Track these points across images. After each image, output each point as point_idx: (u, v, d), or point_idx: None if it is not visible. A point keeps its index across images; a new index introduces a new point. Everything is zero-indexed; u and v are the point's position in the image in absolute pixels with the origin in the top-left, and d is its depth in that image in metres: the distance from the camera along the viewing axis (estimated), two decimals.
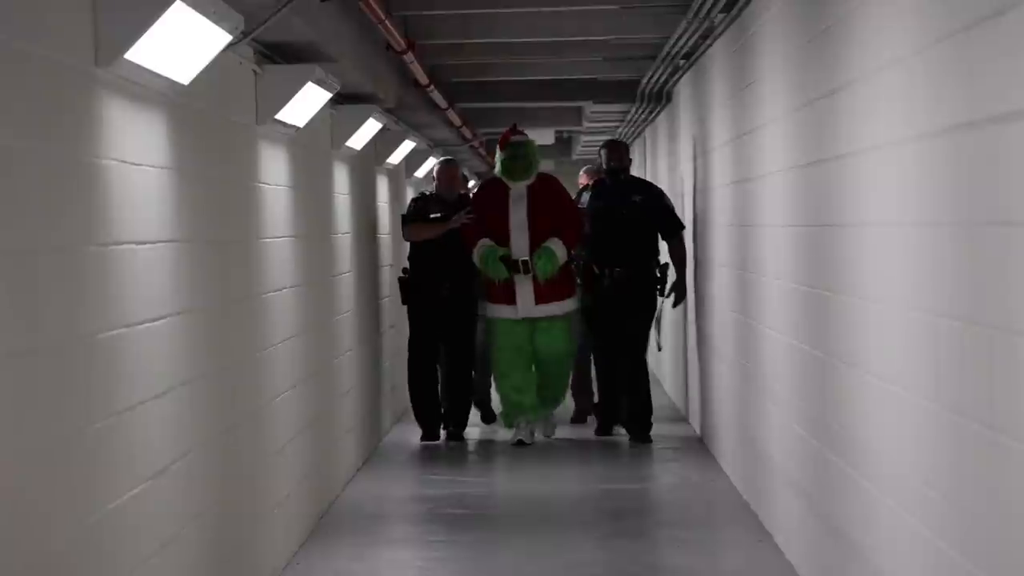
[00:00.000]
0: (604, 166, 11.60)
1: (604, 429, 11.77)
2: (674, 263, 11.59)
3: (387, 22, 8.34)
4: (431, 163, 15.14)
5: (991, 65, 3.93)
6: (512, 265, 11.05)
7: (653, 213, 11.44)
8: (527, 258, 11.04)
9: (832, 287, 6.11)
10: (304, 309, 8.33)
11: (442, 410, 11.73)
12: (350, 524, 8.53)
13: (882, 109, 5.18)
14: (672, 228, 11.57)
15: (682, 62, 11.51)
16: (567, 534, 8.24)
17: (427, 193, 11.80)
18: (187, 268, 5.75)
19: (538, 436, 11.53)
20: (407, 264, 11.71)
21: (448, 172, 11.82)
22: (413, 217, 11.62)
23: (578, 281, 11.49)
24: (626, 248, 11.40)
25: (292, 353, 7.94)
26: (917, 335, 4.74)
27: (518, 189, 11.15)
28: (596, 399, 12.06)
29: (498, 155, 11.28)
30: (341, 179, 10.08)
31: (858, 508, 5.69)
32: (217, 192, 6.36)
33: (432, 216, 11.41)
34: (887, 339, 5.15)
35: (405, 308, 11.79)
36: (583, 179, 14.12)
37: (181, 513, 5.58)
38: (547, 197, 11.15)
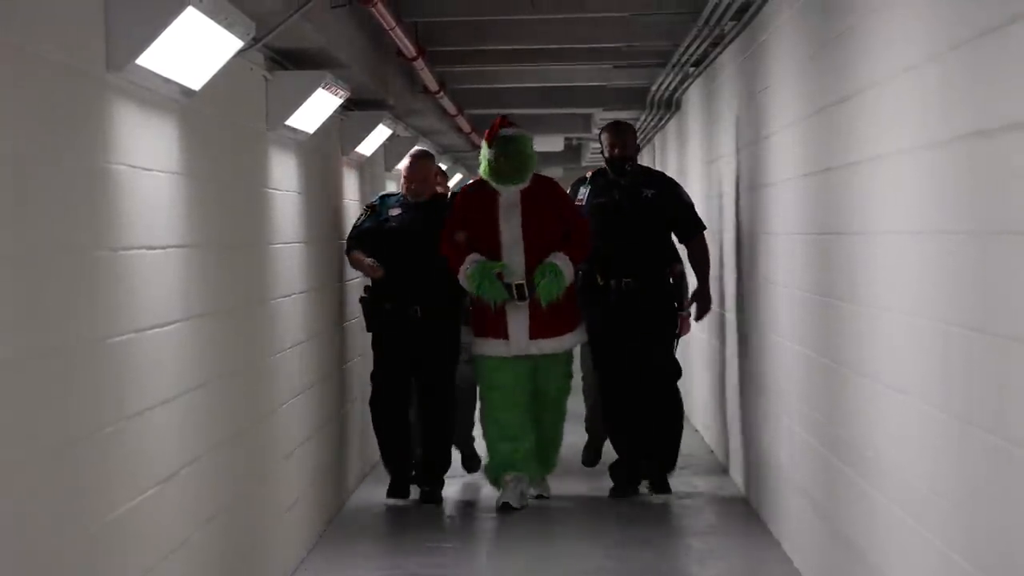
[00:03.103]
0: (606, 154, 9.33)
1: (621, 489, 9.37)
2: (695, 268, 9.44)
3: (397, 29, 8.35)
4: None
5: (1003, 73, 3.93)
6: (505, 289, 8.85)
7: (668, 210, 9.28)
8: (523, 281, 8.83)
9: (842, 295, 6.10)
10: (314, 314, 8.33)
11: (414, 461, 9.35)
12: (358, 529, 8.52)
13: (893, 117, 5.17)
14: (690, 227, 9.42)
15: (692, 69, 11.50)
16: None
17: (390, 195, 9.52)
18: (197, 273, 5.75)
19: (531, 492, 9.14)
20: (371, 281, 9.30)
21: (418, 168, 9.28)
22: (359, 235, 9.21)
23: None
24: (636, 254, 9.16)
25: (302, 358, 7.95)
26: (927, 344, 4.73)
27: (509, 194, 8.93)
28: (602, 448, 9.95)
29: (484, 152, 9.01)
30: (351, 185, 10.08)
31: (867, 517, 5.68)
32: (227, 197, 6.37)
33: (389, 224, 9.10)
34: (897, 348, 5.15)
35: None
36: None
37: (190, 518, 5.58)
38: (546, 203, 8.94)
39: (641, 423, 9.23)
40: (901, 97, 5.05)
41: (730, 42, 9.62)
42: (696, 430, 12.11)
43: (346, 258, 9.27)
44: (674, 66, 11.23)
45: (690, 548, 8.02)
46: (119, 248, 4.79)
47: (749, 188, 8.91)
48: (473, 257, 8.80)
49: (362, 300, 9.24)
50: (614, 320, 9.15)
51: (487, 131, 9.03)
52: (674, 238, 9.48)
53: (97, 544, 4.53)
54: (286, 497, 7.42)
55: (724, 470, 10.23)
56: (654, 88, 13.09)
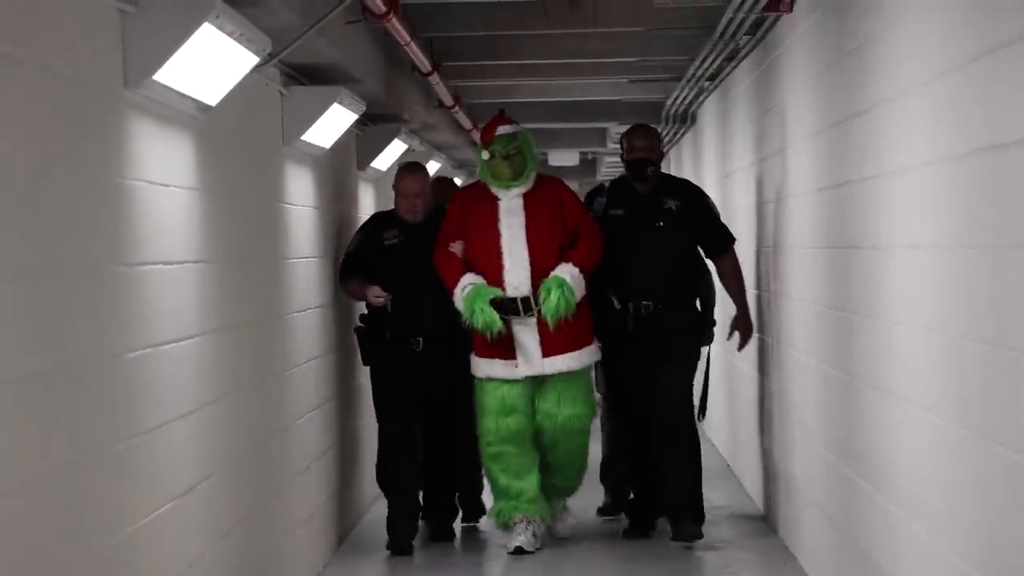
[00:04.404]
0: (627, 156, 8.28)
1: (638, 528, 8.50)
2: (728, 289, 8.39)
3: (412, 44, 8.37)
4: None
5: (1017, 87, 3.93)
6: (508, 307, 7.90)
7: (693, 223, 8.25)
8: (528, 294, 7.91)
9: (858, 309, 6.10)
10: (329, 328, 8.34)
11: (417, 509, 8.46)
12: (374, 546, 8.51)
13: (908, 131, 5.17)
14: (719, 241, 8.34)
15: (707, 84, 11.51)
16: None
17: (384, 214, 8.59)
18: (213, 288, 5.77)
19: (548, 534, 8.29)
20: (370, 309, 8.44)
21: (411, 182, 8.32)
22: (355, 259, 8.39)
23: None
24: (657, 273, 8.12)
25: (318, 372, 7.95)
26: (943, 358, 4.73)
27: (510, 198, 7.99)
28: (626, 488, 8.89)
29: (481, 152, 8.11)
30: (366, 199, 10.10)
31: (884, 532, 5.67)
32: (243, 212, 6.39)
33: (385, 248, 8.28)
34: (913, 362, 5.14)
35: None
36: None
37: (206, 533, 5.58)
38: (550, 206, 8.00)
39: (660, 454, 8.22)
40: (915, 111, 5.05)
41: (745, 56, 9.63)
42: (713, 444, 12.10)
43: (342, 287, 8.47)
44: (689, 80, 11.24)
45: (706, 562, 8.01)
46: (135, 263, 4.81)
47: (764, 202, 8.90)
48: (468, 279, 7.88)
49: (357, 331, 8.43)
50: (632, 349, 8.12)
51: (483, 129, 8.17)
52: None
53: (113, 559, 4.54)
54: (301, 512, 7.43)
55: (740, 483, 10.21)
56: (669, 102, 13.10)
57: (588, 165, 22.89)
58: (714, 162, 12.02)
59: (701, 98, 12.46)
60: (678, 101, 12.70)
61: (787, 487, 8.15)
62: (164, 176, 5.15)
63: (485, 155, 8.02)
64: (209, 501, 5.61)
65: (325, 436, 8.15)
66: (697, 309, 8.29)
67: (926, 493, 4.99)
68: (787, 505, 8.18)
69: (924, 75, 4.92)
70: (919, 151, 5.00)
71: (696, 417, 8.48)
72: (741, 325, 8.38)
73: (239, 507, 6.09)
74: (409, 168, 8.44)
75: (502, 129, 8.04)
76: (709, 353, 8.75)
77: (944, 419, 4.73)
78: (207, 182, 5.70)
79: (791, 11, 7.73)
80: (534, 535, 8.04)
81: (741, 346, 8.48)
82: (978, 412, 4.36)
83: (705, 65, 10.16)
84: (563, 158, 18.87)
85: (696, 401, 8.51)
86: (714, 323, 8.43)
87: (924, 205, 4.94)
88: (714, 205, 8.46)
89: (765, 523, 8.86)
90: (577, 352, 7.98)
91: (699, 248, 8.37)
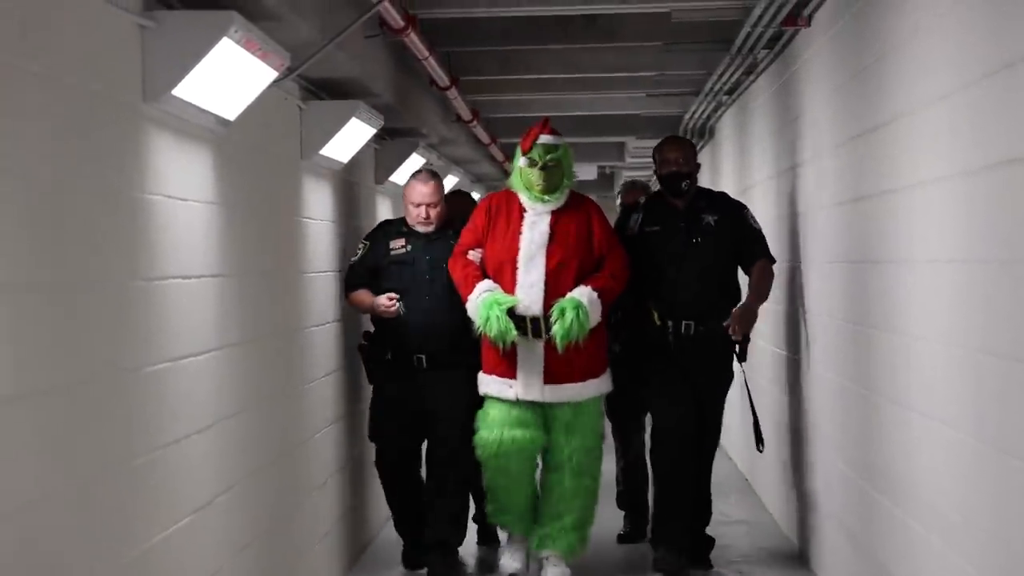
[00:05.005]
0: (660, 173, 7.85)
1: (670, 563, 7.83)
2: (750, 282, 7.83)
3: (431, 58, 8.38)
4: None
5: None
6: (517, 324, 7.28)
7: (733, 239, 7.81)
8: (539, 315, 7.30)
9: (876, 323, 6.09)
10: (347, 342, 8.34)
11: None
12: (390, 563, 8.50)
13: (926, 145, 5.17)
14: (756, 256, 7.85)
15: (725, 98, 11.51)
16: None
17: (391, 223, 8.09)
18: (231, 302, 5.77)
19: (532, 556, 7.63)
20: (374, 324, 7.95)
21: (426, 191, 7.86)
22: (360, 269, 7.89)
23: (615, 348, 7.90)
24: (696, 291, 7.70)
25: (335, 386, 7.95)
26: (960, 371, 4.72)
27: (538, 212, 7.41)
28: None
29: (517, 160, 7.50)
30: (384, 214, 10.11)
31: (902, 545, 5.66)
32: (262, 226, 6.40)
33: (392, 259, 7.80)
34: (931, 376, 5.13)
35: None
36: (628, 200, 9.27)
37: (224, 547, 5.59)
38: (579, 228, 7.42)
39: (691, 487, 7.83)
40: (934, 125, 5.04)
41: (763, 70, 9.63)
42: (730, 457, 12.08)
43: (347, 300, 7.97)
44: (707, 94, 11.24)
45: None
46: (154, 277, 4.82)
47: (783, 216, 8.90)
48: (485, 286, 7.31)
49: (361, 348, 7.94)
50: (674, 368, 7.70)
51: (524, 135, 7.51)
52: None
53: (131, 573, 4.54)
54: (319, 528, 7.42)
55: (759, 498, 10.19)
56: (687, 116, 13.10)
57: (606, 179, 22.92)
58: (732, 176, 12.01)
59: (719, 112, 12.46)
60: (696, 115, 12.70)
61: (806, 501, 8.13)
62: (183, 190, 5.16)
63: (522, 162, 7.42)
64: (226, 516, 5.62)
65: (342, 451, 8.14)
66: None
67: (944, 506, 4.97)
68: (806, 519, 8.16)
69: (941, 89, 4.92)
70: (937, 165, 5.00)
71: (756, 448, 8.11)
72: (744, 314, 7.64)
73: (256, 522, 6.09)
74: (421, 175, 7.93)
75: (544, 138, 7.41)
76: (746, 378, 8.14)
77: (962, 432, 4.72)
78: (226, 196, 5.71)
79: (809, 26, 7.74)
80: (527, 555, 7.64)
81: (734, 331, 7.60)
82: (995, 425, 4.35)
83: (723, 79, 10.17)
84: (581, 172, 18.87)
85: (743, 429, 7.93)
86: (748, 339, 7.84)
87: (943, 219, 4.93)
88: (755, 220, 7.91)
89: (784, 537, 8.84)
90: (582, 383, 7.37)
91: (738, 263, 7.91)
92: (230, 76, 5.20)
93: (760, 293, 7.80)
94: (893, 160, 5.72)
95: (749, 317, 7.69)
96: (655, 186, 8.73)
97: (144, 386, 4.69)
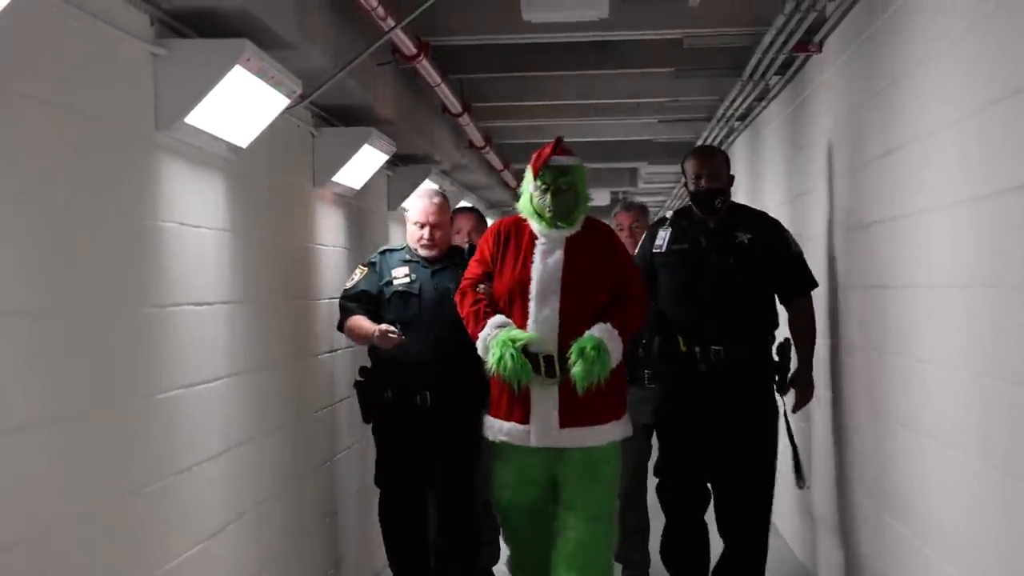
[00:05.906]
0: (690, 187, 7.17)
1: None
2: (795, 339, 7.17)
3: (443, 85, 8.40)
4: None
5: None
6: (532, 361, 6.52)
7: (769, 260, 7.09)
8: (553, 354, 6.52)
9: (888, 348, 6.08)
10: (359, 370, 8.33)
11: None
12: None
13: (937, 171, 5.17)
14: (797, 285, 7.16)
15: (738, 123, 11.53)
16: None
17: (393, 250, 7.31)
18: (244, 329, 5.78)
19: None
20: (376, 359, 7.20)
21: (431, 213, 7.20)
22: (355, 298, 7.14)
23: (645, 376, 7.24)
24: (726, 315, 6.99)
25: (347, 414, 7.96)
26: (969, 396, 4.71)
27: (552, 240, 6.64)
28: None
29: (527, 183, 6.72)
30: (397, 240, 10.12)
31: (916, 571, 5.65)
32: (274, 254, 6.41)
33: (393, 288, 7.10)
34: (941, 400, 5.13)
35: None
36: (620, 221, 8.87)
37: (236, 575, 5.58)
38: (596, 257, 6.66)
39: (731, 539, 7.13)
40: (945, 151, 5.05)
41: (775, 96, 9.64)
42: None
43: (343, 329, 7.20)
44: (720, 120, 11.26)
45: None
46: (166, 304, 4.83)
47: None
48: (497, 321, 6.56)
49: (358, 385, 7.15)
50: (702, 399, 7.00)
51: (535, 156, 6.69)
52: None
53: None
54: (330, 556, 7.42)
55: (774, 525, 10.17)
56: (700, 142, 13.11)
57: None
58: (745, 201, 12.00)
59: (732, 138, 12.48)
60: (708, 141, 12.71)
61: (819, 526, 8.12)
62: (195, 217, 5.18)
63: (532, 186, 6.64)
64: (238, 543, 5.62)
65: (354, 478, 8.14)
66: (772, 356, 7.06)
67: (955, 532, 4.97)
68: (820, 544, 8.15)
69: (954, 114, 4.92)
70: (947, 191, 5.00)
71: (796, 484, 7.41)
72: (800, 384, 7.08)
73: (269, 549, 6.09)
74: (425, 192, 7.27)
75: (556, 160, 6.61)
76: (786, 410, 7.20)
77: (972, 457, 4.71)
78: (238, 223, 5.73)
79: (820, 52, 7.75)
80: None
81: (797, 407, 7.18)
82: (1004, 450, 4.34)
83: (735, 105, 10.18)
84: (594, 197, 18.93)
85: (784, 464, 7.35)
86: (788, 368, 7.11)
87: (955, 244, 4.94)
88: (795, 241, 7.21)
89: (798, 563, 8.81)
90: (602, 426, 6.60)
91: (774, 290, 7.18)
92: (242, 104, 5.22)
93: (810, 349, 7.13)
94: (904, 185, 5.72)
95: (807, 383, 7.10)
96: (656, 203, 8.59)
97: (156, 413, 4.70)
